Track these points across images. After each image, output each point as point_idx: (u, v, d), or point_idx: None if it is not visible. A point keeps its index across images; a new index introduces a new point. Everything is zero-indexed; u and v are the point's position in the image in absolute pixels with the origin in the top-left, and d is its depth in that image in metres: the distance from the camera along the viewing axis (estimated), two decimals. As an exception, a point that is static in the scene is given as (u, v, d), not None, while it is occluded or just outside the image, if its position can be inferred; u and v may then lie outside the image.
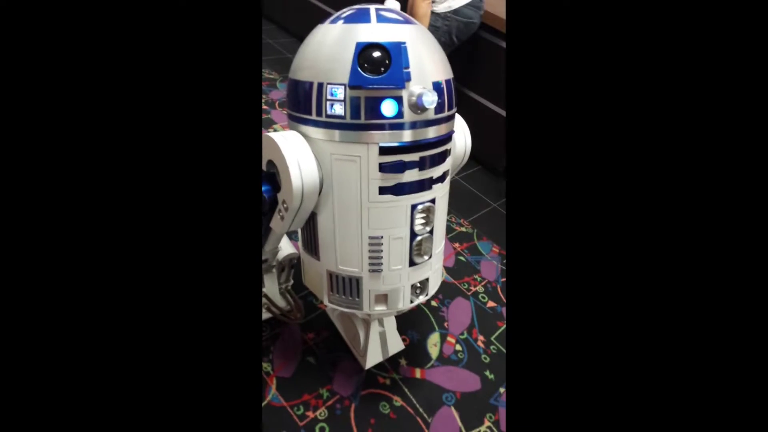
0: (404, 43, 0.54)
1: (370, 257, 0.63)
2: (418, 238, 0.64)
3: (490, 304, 1.09)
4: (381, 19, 0.55)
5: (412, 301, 0.69)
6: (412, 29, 0.56)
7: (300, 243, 0.72)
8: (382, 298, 0.67)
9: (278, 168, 0.58)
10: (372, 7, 0.57)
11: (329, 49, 0.55)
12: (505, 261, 1.23)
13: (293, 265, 0.90)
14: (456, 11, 1.29)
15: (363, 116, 0.54)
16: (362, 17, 0.56)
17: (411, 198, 0.60)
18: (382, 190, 0.58)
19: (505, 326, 1.03)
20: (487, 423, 0.83)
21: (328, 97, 0.54)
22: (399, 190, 0.59)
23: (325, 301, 0.70)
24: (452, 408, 0.84)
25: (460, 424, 0.82)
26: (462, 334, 1.00)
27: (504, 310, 1.08)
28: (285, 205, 0.59)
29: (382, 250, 0.63)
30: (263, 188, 0.61)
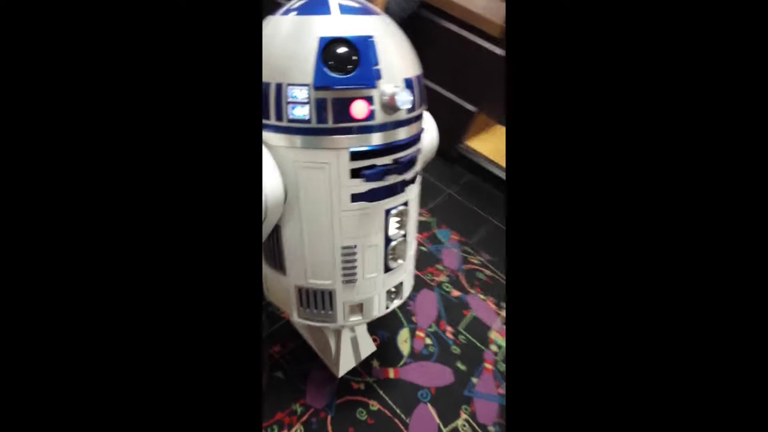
0: (371, 36, 0.49)
1: (343, 268, 0.59)
2: (393, 243, 0.60)
3: (455, 293, 1.09)
4: (344, 9, 0.50)
5: (387, 307, 0.66)
6: (377, 21, 0.51)
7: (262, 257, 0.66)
8: (357, 308, 0.64)
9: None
10: (330, -5, 0.51)
11: (285, 44, 0.48)
12: (463, 250, 1.24)
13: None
14: None
15: (330, 120, 0.49)
16: (320, 7, 0.50)
17: (385, 203, 0.56)
18: (355, 197, 0.54)
19: (470, 315, 1.04)
20: (463, 416, 0.83)
21: (289, 99, 0.48)
22: (372, 195, 0.55)
23: (294, 318, 0.65)
24: (428, 405, 0.83)
25: (437, 420, 0.81)
26: (430, 326, 0.99)
27: (468, 298, 1.09)
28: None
29: (356, 260, 0.59)
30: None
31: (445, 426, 0.81)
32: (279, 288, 0.64)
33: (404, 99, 0.49)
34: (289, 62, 0.48)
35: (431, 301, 1.06)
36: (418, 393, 0.85)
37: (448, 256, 1.20)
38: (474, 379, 0.90)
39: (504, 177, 1.50)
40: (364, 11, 0.51)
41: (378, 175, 0.53)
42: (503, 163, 1.51)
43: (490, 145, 1.61)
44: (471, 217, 1.37)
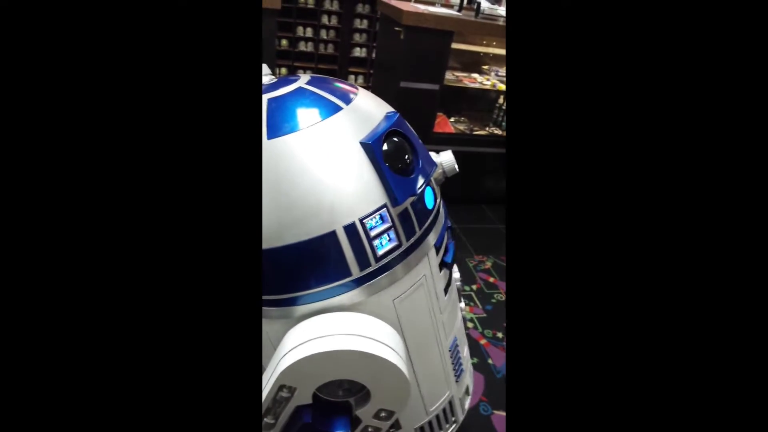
0: (393, 113, 0.39)
1: (453, 368, 0.49)
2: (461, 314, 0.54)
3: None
4: (342, 97, 0.38)
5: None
6: (367, 96, 0.41)
7: None
8: (465, 394, 0.56)
9: (362, 379, 0.35)
10: (309, 89, 0.38)
11: (326, 171, 0.34)
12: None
13: None
14: None
15: (417, 227, 0.38)
16: (308, 104, 0.36)
17: (455, 283, 0.49)
18: (445, 289, 0.45)
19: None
20: None
21: (373, 233, 0.35)
22: (448, 281, 0.47)
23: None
24: None
25: None
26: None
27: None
28: (385, 414, 0.37)
29: (459, 351, 0.50)
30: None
31: None
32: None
33: (451, 160, 0.43)
34: (351, 188, 0.34)
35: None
36: None
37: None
38: None
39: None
40: (350, 92, 0.40)
41: (446, 259, 0.45)
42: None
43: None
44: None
